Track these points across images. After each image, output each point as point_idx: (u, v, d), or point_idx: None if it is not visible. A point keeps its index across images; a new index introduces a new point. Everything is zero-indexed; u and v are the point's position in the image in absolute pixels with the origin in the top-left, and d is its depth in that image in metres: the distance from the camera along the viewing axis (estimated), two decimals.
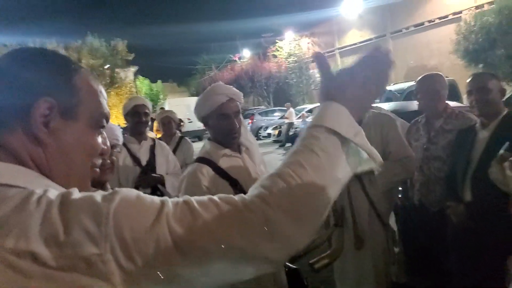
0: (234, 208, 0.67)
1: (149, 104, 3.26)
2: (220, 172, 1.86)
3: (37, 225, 0.58)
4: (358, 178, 2.55)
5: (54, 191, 0.64)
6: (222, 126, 1.91)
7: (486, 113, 2.33)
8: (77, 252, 0.57)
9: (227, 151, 1.94)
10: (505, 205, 1.82)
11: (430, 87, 2.72)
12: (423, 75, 2.87)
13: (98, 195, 0.64)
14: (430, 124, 2.79)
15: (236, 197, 0.69)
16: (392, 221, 3.01)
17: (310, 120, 0.79)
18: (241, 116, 1.99)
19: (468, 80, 2.44)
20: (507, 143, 1.87)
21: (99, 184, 1.70)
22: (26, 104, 0.69)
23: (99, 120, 0.81)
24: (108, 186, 1.77)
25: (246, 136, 2.05)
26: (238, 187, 1.86)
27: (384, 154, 2.53)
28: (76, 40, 13.05)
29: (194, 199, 0.69)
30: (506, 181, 1.67)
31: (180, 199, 0.69)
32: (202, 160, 1.91)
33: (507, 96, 10.88)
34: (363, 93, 0.79)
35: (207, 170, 1.85)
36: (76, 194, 0.64)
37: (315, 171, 0.71)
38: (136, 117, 3.11)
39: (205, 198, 0.70)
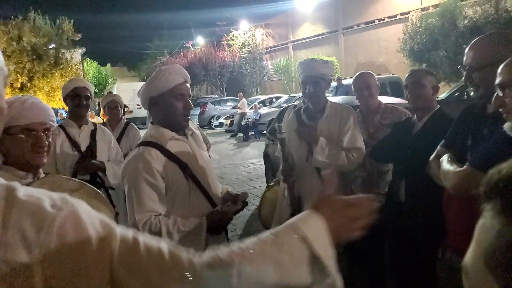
0: (179, 266, 0.67)
1: (91, 87, 3.08)
2: (169, 155, 1.80)
3: None
4: (316, 169, 2.59)
5: None
6: (178, 106, 1.83)
7: (419, 107, 2.43)
8: (6, 253, 0.54)
9: (174, 134, 1.87)
10: (437, 197, 1.93)
11: (361, 85, 2.87)
12: (356, 74, 3.00)
13: (47, 199, 0.61)
14: (368, 120, 2.90)
15: (184, 254, 0.69)
16: None
17: (291, 222, 0.81)
18: None
19: (406, 75, 2.56)
20: (443, 139, 1.97)
21: (32, 168, 1.58)
22: None
23: None
24: (41, 171, 1.65)
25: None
26: (188, 171, 1.82)
27: (338, 144, 2.59)
28: (16, 15, 12.10)
29: (143, 241, 0.68)
30: (442, 176, 1.76)
31: (130, 235, 0.67)
32: (148, 143, 1.82)
33: (445, 95, 11.53)
34: (346, 225, 0.84)
35: (156, 153, 1.77)
36: (22, 191, 0.60)
37: (274, 267, 0.71)
38: (76, 100, 2.94)
39: (154, 243, 0.68)
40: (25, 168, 1.57)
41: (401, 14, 18.72)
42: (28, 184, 1.47)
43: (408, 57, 14.85)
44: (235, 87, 26.49)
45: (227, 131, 17.17)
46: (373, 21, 20.49)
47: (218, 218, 1.84)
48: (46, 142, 1.59)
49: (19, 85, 11.40)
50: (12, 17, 11.72)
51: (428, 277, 2.30)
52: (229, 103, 21.39)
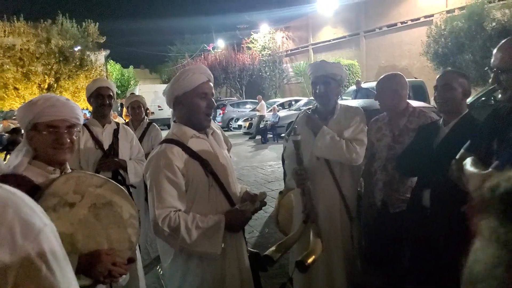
0: None
1: (114, 87, 3.15)
2: (190, 152, 1.84)
3: None
4: (331, 172, 2.59)
5: None
6: (200, 105, 1.87)
7: (446, 110, 2.36)
8: None
9: (195, 132, 1.91)
10: (461, 204, 1.87)
11: (390, 87, 2.76)
12: (383, 75, 2.90)
13: (37, 210, 0.68)
14: (394, 123, 2.80)
15: None
16: None
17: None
18: None
19: (437, 76, 2.49)
20: (468, 142, 1.92)
21: (58, 164, 1.62)
22: None
23: None
24: (68, 166, 1.69)
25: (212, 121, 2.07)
26: (208, 168, 1.85)
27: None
28: (46, 19, 12.48)
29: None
30: (465, 178, 1.72)
31: None
32: (170, 141, 1.86)
33: (471, 99, 11.25)
34: None
35: (177, 151, 1.81)
36: (20, 196, 0.66)
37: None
38: (100, 100, 3.01)
39: None
40: (52, 164, 1.60)
41: (425, 16, 18.39)
42: (55, 179, 1.52)
43: (432, 60, 14.59)
44: (254, 89, 26.54)
45: (245, 133, 17.20)
46: (395, 24, 20.22)
47: (236, 216, 1.86)
48: (68, 139, 1.61)
49: (46, 86, 11.74)
50: (42, 20, 12.09)
51: (448, 283, 2.24)
52: (248, 106, 21.43)
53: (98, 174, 1.66)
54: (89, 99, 3.07)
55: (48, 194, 1.48)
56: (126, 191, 1.63)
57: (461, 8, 15.33)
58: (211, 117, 1.96)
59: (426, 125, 2.61)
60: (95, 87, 3.02)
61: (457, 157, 1.90)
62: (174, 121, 1.98)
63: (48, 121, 1.58)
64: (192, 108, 1.89)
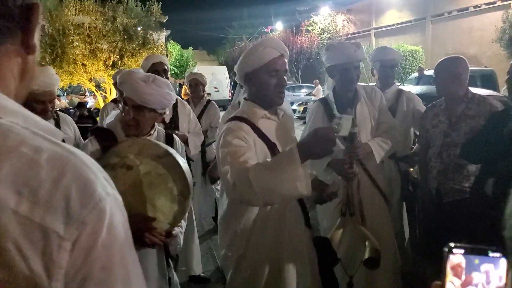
0: None
1: (166, 60, 3.23)
2: (259, 133, 1.74)
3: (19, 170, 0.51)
4: (359, 161, 2.48)
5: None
6: (271, 82, 1.75)
7: None
8: (43, 217, 0.50)
9: (266, 112, 1.80)
10: None
11: (450, 70, 2.60)
12: (442, 58, 2.75)
13: (100, 176, 0.57)
14: (451, 109, 2.66)
15: None
16: None
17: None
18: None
19: (511, 62, 2.32)
20: None
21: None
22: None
23: None
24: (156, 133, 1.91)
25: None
26: (275, 152, 1.74)
27: (377, 125, 2.61)
28: None
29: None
30: None
31: None
32: (239, 119, 1.77)
33: None
34: None
35: (247, 128, 1.72)
36: (81, 156, 0.57)
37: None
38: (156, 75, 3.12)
39: None
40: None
41: (502, 0, 16.95)
42: (123, 141, 1.68)
43: (506, 48, 13.50)
44: (311, 73, 26.11)
45: (299, 118, 17.06)
46: (467, 8, 18.84)
47: (311, 143, 1.52)
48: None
49: (111, 63, 12.33)
50: None
51: None
52: (303, 90, 21.18)
53: (163, 145, 1.71)
54: None
55: (112, 152, 1.60)
56: (184, 169, 1.64)
57: None
58: (284, 94, 1.82)
59: (497, 112, 2.46)
60: (149, 64, 3.12)
61: None
62: (245, 99, 1.88)
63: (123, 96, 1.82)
64: (261, 86, 1.77)
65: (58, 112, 2.96)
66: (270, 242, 1.77)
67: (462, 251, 0.61)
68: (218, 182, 4.58)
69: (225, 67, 23.99)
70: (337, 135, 1.67)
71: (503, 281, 0.57)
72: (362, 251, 2.14)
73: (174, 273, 2.03)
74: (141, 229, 1.51)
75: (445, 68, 2.65)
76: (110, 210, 0.55)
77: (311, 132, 1.53)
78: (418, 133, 3.15)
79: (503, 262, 0.58)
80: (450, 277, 0.60)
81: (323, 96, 2.88)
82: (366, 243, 2.16)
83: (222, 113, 2.69)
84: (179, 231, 1.89)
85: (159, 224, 1.58)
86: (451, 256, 0.61)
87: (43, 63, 9.92)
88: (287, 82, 1.89)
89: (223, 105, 20.28)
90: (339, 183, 1.91)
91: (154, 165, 1.58)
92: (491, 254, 0.59)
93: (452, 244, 0.62)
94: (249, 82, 1.81)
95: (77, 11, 12.26)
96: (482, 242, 1.93)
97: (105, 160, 1.59)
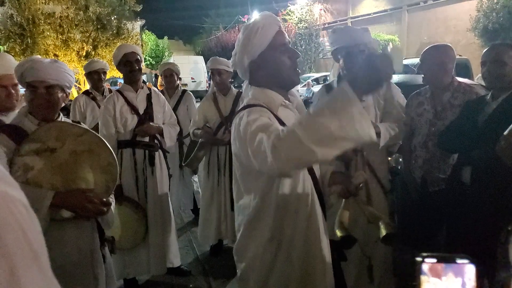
0: None
1: (139, 50, 3.11)
2: (280, 123, 1.48)
3: None
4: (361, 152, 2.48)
5: None
6: (284, 60, 1.54)
7: (497, 87, 2.22)
8: None
9: (283, 99, 1.58)
10: (503, 181, 1.78)
11: (437, 58, 2.56)
12: (430, 46, 2.69)
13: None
14: (436, 98, 2.64)
15: None
16: None
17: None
18: None
19: (484, 50, 2.32)
20: None
21: (41, 119, 1.82)
22: None
23: None
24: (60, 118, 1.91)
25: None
26: None
27: (382, 114, 2.60)
28: None
29: None
30: None
31: None
32: (257, 106, 1.50)
33: None
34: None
35: (270, 115, 1.47)
36: None
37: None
38: (128, 66, 3.00)
39: None
40: (39, 118, 1.83)
41: None
42: (39, 128, 1.74)
43: (480, 37, 13.79)
44: None
45: None
46: None
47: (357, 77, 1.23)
48: (46, 99, 1.81)
49: (84, 53, 12.00)
50: None
51: (487, 258, 2.15)
52: None
53: (79, 125, 1.84)
54: (118, 67, 3.07)
55: (31, 139, 1.69)
56: (104, 140, 1.80)
57: None
58: (299, 70, 1.62)
59: (472, 101, 2.45)
60: (121, 54, 3.00)
61: (506, 133, 1.79)
62: (250, 83, 1.65)
63: (29, 81, 1.79)
64: (276, 67, 1.54)
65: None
66: (300, 250, 1.59)
67: (435, 260, 0.66)
68: (197, 174, 4.51)
69: (201, 57, 23.66)
70: None
71: (473, 285, 0.64)
72: (375, 229, 2.07)
73: (108, 252, 2.07)
74: (83, 201, 1.66)
75: (431, 56, 2.60)
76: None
77: (361, 63, 1.24)
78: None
79: (470, 268, 0.65)
80: (424, 285, 0.66)
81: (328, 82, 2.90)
82: (380, 221, 2.08)
83: (198, 104, 2.62)
84: (112, 205, 1.87)
85: (96, 195, 1.72)
86: (423, 266, 0.66)
87: (12, 54, 9.55)
88: None
89: (200, 95, 20.06)
90: (363, 174, 1.73)
91: (77, 143, 1.72)
92: (459, 261, 0.65)
93: (424, 254, 0.67)
94: (258, 69, 1.57)
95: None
96: (461, 229, 1.93)
97: (25, 148, 1.68)
